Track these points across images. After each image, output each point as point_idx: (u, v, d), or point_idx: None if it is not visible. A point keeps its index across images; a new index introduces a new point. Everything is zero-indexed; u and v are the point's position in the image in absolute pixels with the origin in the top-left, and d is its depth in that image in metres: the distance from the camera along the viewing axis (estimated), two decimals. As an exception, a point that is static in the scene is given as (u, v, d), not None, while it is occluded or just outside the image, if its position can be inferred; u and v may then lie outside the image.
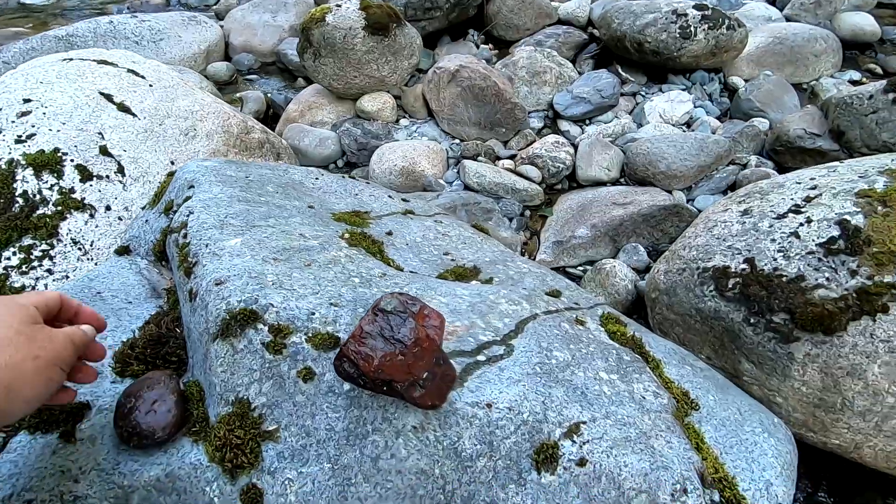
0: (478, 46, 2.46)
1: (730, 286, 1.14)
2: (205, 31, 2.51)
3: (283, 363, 0.49)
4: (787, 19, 2.57)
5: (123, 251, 0.77)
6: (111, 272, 0.70)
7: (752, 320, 1.09)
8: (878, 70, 2.38)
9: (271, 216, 0.70)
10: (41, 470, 0.42)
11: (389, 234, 0.81)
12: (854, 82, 2.27)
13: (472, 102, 2.00)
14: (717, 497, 0.50)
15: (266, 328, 0.50)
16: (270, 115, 2.33)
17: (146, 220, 0.79)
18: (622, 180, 1.88)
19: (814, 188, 1.25)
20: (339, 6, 1.94)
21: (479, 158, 1.95)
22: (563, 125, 2.09)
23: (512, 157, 1.98)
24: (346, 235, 0.72)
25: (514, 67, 2.18)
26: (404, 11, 2.19)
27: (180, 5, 3.35)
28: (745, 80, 2.19)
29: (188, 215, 0.65)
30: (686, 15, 2.04)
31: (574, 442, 0.49)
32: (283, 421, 0.47)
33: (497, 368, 0.53)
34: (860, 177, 1.23)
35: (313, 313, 0.53)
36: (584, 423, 0.50)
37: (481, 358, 0.54)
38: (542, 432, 0.49)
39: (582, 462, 0.47)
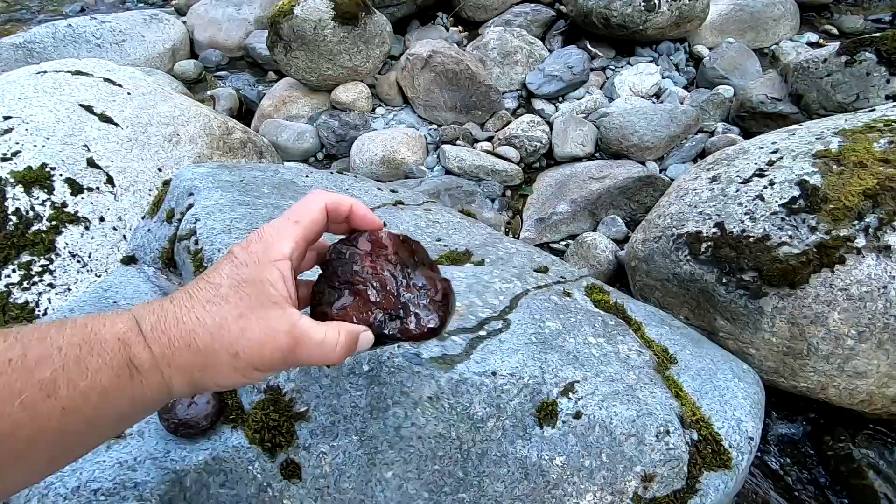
0: (447, 29, 2.48)
1: (702, 250, 1.23)
2: (168, 28, 2.47)
3: (306, 351, 0.54)
4: (747, -15, 2.64)
5: (129, 260, 0.81)
6: (122, 281, 0.74)
7: (724, 280, 1.18)
8: (834, 31, 2.48)
9: (273, 217, 0.75)
10: (100, 463, 0.47)
11: (384, 225, 0.86)
12: (812, 44, 2.37)
13: (447, 87, 2.04)
14: (695, 436, 0.58)
15: (287, 321, 0.55)
16: (244, 112, 2.32)
17: (148, 230, 0.82)
18: (597, 155, 1.95)
19: (775, 152, 1.33)
20: (307, -3, 1.94)
21: (458, 142, 2.00)
22: (538, 104, 2.15)
23: (489, 139, 2.03)
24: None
25: (485, 49, 2.22)
26: (372, -1, 2.20)
27: (139, 2, 3.26)
28: (710, 49, 2.26)
29: (195, 222, 0.70)
30: (649, -12, 2.10)
31: (570, 399, 0.56)
32: (311, 402, 0.53)
33: (497, 341, 0.60)
34: (817, 138, 1.31)
35: (327, 305, 0.58)
36: (578, 381, 0.57)
37: (483, 333, 0.61)
38: (541, 393, 0.56)
39: (578, 415, 0.55)
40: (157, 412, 0.51)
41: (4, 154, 1.02)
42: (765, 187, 1.25)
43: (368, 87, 2.16)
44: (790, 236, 1.15)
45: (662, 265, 1.30)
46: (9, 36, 2.42)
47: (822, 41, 2.39)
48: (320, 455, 0.51)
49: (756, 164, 1.32)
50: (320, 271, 0.39)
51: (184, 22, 2.64)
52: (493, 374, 0.55)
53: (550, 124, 1.99)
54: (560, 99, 2.16)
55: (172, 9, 3.08)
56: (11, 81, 1.14)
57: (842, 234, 1.11)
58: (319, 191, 0.38)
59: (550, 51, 2.31)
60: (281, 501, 0.50)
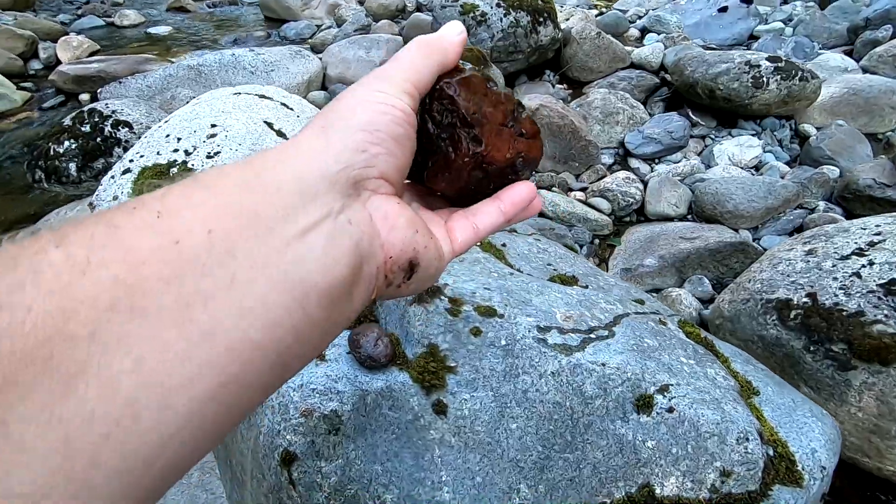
0: (553, 86, 2.75)
1: (792, 317, 1.31)
2: (308, 63, 2.94)
3: (459, 323, 0.74)
4: (864, 71, 2.71)
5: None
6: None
7: (811, 348, 1.26)
8: (958, 124, 2.46)
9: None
10: (314, 373, 0.68)
11: (504, 245, 1.06)
12: (931, 135, 2.37)
13: (549, 138, 2.27)
14: (771, 452, 0.70)
15: (447, 299, 0.75)
16: (360, 140, 2.68)
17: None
18: (689, 217, 2.07)
19: (878, 234, 1.41)
20: (436, 49, 2.28)
21: (553, 189, 2.20)
22: (633, 163, 2.31)
23: (583, 190, 2.21)
24: (479, 243, 0.97)
25: (588, 107, 2.44)
26: (490, 54, 2.51)
27: (279, 38, 3.85)
28: (817, 129, 2.34)
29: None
30: (759, 66, 2.25)
31: (664, 396, 0.70)
32: (459, 361, 0.71)
33: (605, 344, 0.76)
34: (925, 227, 1.38)
35: (475, 293, 0.77)
36: (672, 385, 0.72)
37: (592, 336, 0.77)
38: (640, 387, 0.71)
39: (671, 410, 0.69)
40: (349, 348, 0.72)
41: (209, 153, 1.35)
42: (863, 266, 1.33)
43: (476, 131, 2.43)
44: (886, 315, 1.22)
45: (748, 326, 1.40)
46: (182, 58, 2.98)
47: (942, 133, 2.38)
48: (462, 401, 0.69)
49: (856, 243, 1.40)
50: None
51: (320, 58, 3.11)
52: (603, 364, 0.70)
53: (645, 183, 2.14)
54: (657, 161, 2.31)
55: (308, 45, 3.62)
56: (217, 98, 1.50)
57: (941, 321, 1.17)
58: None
59: (651, 115, 2.49)
60: (429, 430, 0.68)
